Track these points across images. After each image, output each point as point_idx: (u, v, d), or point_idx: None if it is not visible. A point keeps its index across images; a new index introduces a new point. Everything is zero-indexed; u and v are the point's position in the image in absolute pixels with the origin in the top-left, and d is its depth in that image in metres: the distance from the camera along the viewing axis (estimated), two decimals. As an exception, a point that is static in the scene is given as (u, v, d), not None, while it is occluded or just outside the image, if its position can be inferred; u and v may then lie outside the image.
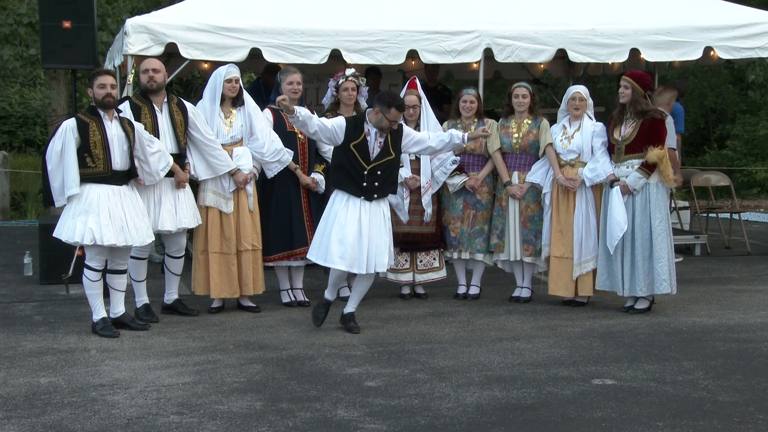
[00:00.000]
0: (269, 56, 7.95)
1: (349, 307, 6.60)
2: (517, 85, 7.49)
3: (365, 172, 6.33)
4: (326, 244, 6.31)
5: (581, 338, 6.39)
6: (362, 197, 6.33)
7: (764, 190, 16.70)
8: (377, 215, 6.38)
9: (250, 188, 7.05)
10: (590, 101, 7.33)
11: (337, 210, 6.34)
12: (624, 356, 5.91)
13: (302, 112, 6.27)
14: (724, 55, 8.77)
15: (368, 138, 6.39)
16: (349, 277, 6.97)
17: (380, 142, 6.40)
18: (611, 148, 7.12)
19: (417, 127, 7.12)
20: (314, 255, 6.44)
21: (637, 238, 6.98)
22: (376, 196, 6.37)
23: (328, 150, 7.34)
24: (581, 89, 7.35)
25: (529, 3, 9.00)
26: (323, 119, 6.47)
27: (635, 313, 7.11)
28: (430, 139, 6.63)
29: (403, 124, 6.69)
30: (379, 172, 6.37)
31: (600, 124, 7.23)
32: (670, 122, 8.58)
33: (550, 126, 7.41)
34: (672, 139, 8.48)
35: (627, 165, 7.00)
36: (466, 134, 6.69)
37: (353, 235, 6.26)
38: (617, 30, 8.46)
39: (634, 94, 6.96)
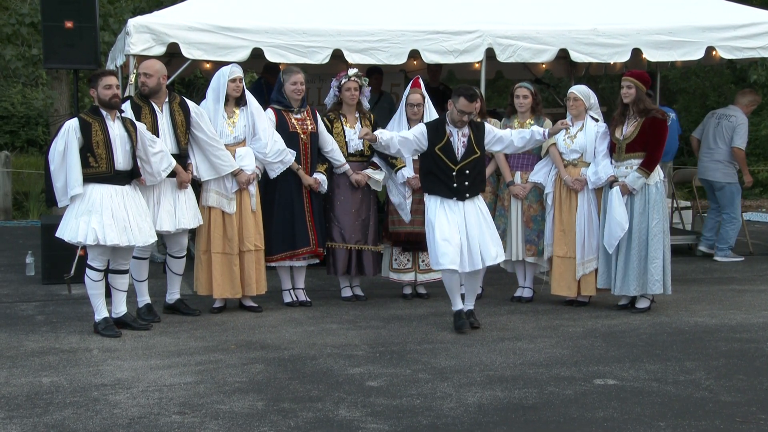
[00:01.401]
0: (271, 56, 7.95)
1: (468, 305, 6.65)
2: (519, 86, 7.49)
3: (454, 173, 6.40)
4: (433, 249, 6.39)
5: (583, 338, 6.39)
6: (454, 198, 6.40)
7: (766, 190, 16.68)
8: (473, 213, 6.44)
9: (253, 188, 7.06)
10: (593, 101, 7.32)
11: (433, 216, 6.41)
12: (626, 356, 5.91)
13: (383, 137, 6.40)
14: (726, 55, 8.75)
15: (452, 139, 6.45)
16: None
17: (464, 142, 6.46)
18: (612, 147, 7.12)
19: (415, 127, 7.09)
20: (441, 262, 6.37)
21: (633, 238, 6.99)
22: (468, 195, 6.44)
23: (330, 150, 7.36)
24: (576, 89, 7.35)
25: (531, 3, 8.99)
26: (404, 132, 6.58)
27: (637, 313, 7.11)
28: (512, 136, 6.63)
29: (485, 123, 6.74)
30: (467, 171, 6.43)
31: (604, 125, 7.23)
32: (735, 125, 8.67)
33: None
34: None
35: (627, 165, 7.01)
36: (547, 130, 6.68)
37: (457, 237, 6.33)
38: (619, 30, 8.45)
39: (638, 93, 6.97)
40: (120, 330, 6.40)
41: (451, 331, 6.57)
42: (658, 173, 7.05)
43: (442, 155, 6.43)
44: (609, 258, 7.11)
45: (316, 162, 7.33)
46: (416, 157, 7.32)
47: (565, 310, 7.27)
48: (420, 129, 6.52)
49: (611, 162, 7.12)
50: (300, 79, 7.22)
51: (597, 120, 7.31)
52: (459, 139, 6.46)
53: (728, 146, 9.61)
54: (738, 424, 4.64)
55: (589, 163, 7.22)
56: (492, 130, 6.64)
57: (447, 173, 6.41)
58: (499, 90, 18.07)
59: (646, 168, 6.94)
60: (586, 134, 7.22)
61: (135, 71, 7.72)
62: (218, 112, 6.98)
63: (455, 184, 6.41)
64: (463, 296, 6.70)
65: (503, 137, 6.63)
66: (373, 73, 9.32)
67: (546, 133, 6.65)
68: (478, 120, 6.83)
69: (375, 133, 6.45)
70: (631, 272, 6.99)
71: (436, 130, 6.48)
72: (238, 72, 7.02)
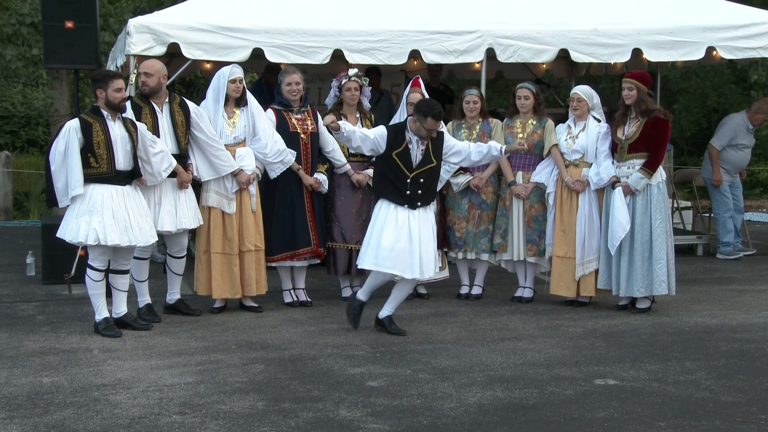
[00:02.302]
0: (271, 56, 7.95)
1: (386, 311, 6.55)
2: (520, 86, 7.49)
3: (408, 180, 6.34)
4: (375, 250, 6.31)
5: (583, 338, 6.39)
6: (406, 205, 6.33)
7: (767, 190, 16.67)
8: (424, 221, 6.36)
9: (253, 189, 7.05)
10: (596, 102, 7.32)
11: (384, 217, 6.34)
12: (626, 356, 5.91)
13: (347, 128, 6.38)
14: (727, 55, 8.76)
15: (410, 146, 6.39)
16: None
17: (422, 150, 6.40)
18: (614, 148, 7.12)
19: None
20: (365, 262, 6.39)
21: (636, 238, 6.99)
22: (419, 203, 6.36)
23: (331, 150, 7.36)
24: (580, 89, 7.34)
25: (532, 3, 8.99)
26: (365, 130, 6.54)
27: (637, 313, 7.11)
28: (469, 149, 6.60)
29: (445, 132, 6.67)
30: (421, 180, 6.37)
31: (606, 126, 7.23)
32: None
33: (557, 125, 7.42)
34: None
35: (629, 165, 7.01)
36: (504, 147, 6.67)
37: (404, 241, 6.27)
38: (619, 30, 8.45)
39: (639, 94, 6.97)
40: (120, 330, 6.40)
41: (452, 331, 6.57)
42: (660, 173, 7.05)
43: (399, 161, 6.36)
44: (610, 259, 7.11)
45: (316, 162, 7.33)
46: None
47: (565, 311, 7.27)
48: (380, 130, 6.46)
49: (613, 162, 7.12)
50: (295, 79, 7.21)
51: (599, 120, 7.30)
52: (418, 147, 6.40)
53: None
54: (738, 425, 4.64)
55: (591, 164, 7.21)
56: (450, 141, 6.58)
57: (401, 180, 6.34)
58: (500, 90, 18.07)
59: (649, 168, 6.94)
60: (587, 135, 7.22)
61: (135, 71, 7.72)
62: (218, 112, 6.98)
63: (408, 192, 6.33)
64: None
65: (461, 150, 6.57)
66: (371, 73, 9.32)
67: (502, 150, 6.63)
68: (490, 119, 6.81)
69: (340, 122, 6.39)
70: (635, 273, 6.98)
71: (395, 135, 6.41)
72: (239, 73, 7.02)
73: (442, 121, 6.46)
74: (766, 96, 10.17)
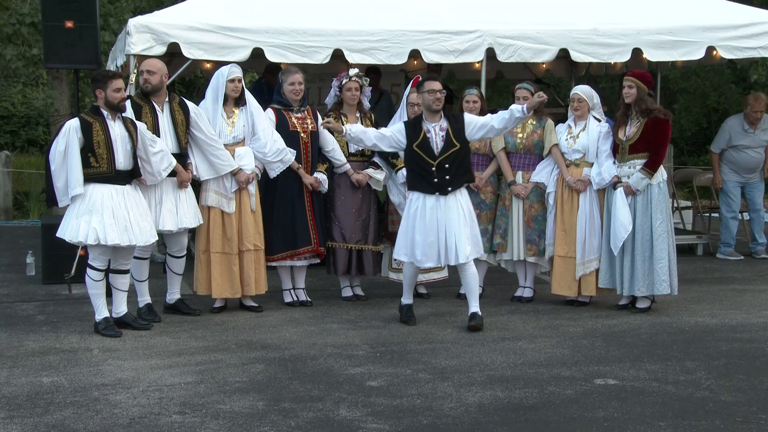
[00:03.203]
0: (271, 56, 7.95)
1: (472, 307, 6.63)
2: (520, 86, 7.48)
3: (433, 168, 6.46)
4: (410, 243, 6.52)
5: (583, 338, 6.39)
6: (436, 193, 6.47)
7: (767, 191, 16.66)
8: (453, 208, 6.49)
9: (252, 188, 7.06)
10: (596, 101, 7.32)
11: (415, 210, 6.51)
12: (626, 356, 5.91)
13: (353, 129, 6.54)
14: (727, 55, 8.75)
15: (429, 135, 6.52)
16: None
17: (442, 136, 6.52)
18: (616, 148, 7.12)
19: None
20: (402, 254, 6.61)
21: (637, 238, 6.99)
22: (450, 189, 6.49)
23: (331, 150, 7.36)
24: (580, 89, 7.34)
25: (532, 3, 8.99)
26: (382, 129, 6.72)
27: (637, 313, 7.11)
28: (491, 120, 6.61)
29: (465, 113, 6.79)
30: (447, 165, 6.48)
31: (606, 126, 7.23)
32: None
33: (557, 125, 7.42)
34: None
35: (630, 165, 7.01)
36: (525, 105, 6.56)
37: (433, 233, 6.45)
38: (619, 30, 8.44)
39: (639, 93, 6.97)
40: (120, 330, 6.40)
41: (451, 330, 6.57)
42: (661, 173, 7.05)
43: (420, 152, 6.50)
44: (611, 258, 7.11)
45: (316, 161, 7.33)
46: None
47: (565, 310, 7.27)
48: (398, 126, 6.64)
49: (614, 162, 7.12)
50: (298, 79, 7.22)
51: (599, 120, 7.30)
52: (437, 134, 6.52)
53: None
54: (738, 424, 4.64)
55: (592, 163, 7.22)
56: (473, 119, 6.65)
57: (427, 169, 6.48)
58: (500, 90, 18.06)
59: (650, 168, 6.94)
60: (588, 134, 7.22)
61: (135, 71, 7.72)
62: (217, 111, 6.98)
63: (436, 179, 6.47)
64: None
65: (484, 123, 6.61)
66: (371, 72, 9.32)
67: (524, 108, 6.52)
68: (458, 113, 6.85)
69: (344, 126, 6.59)
70: (637, 273, 6.99)
71: (413, 128, 6.56)
72: (237, 72, 7.02)
73: (436, 80, 6.56)
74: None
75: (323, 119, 7.08)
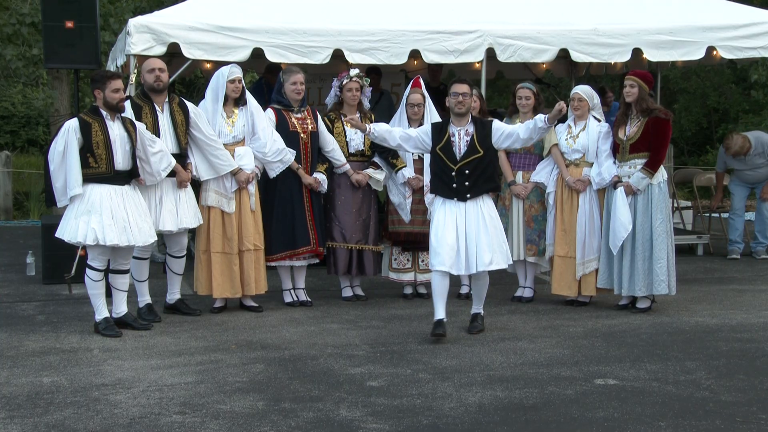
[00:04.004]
0: (272, 56, 7.95)
1: (475, 308, 6.60)
2: (521, 86, 7.48)
3: (453, 173, 6.30)
4: (443, 249, 6.27)
5: (584, 338, 6.39)
6: (455, 198, 6.30)
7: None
8: (473, 215, 6.29)
9: (252, 188, 7.06)
10: (596, 101, 7.32)
11: (436, 216, 6.35)
12: (626, 356, 5.90)
13: (377, 128, 6.40)
14: (727, 55, 8.76)
15: (453, 139, 6.34)
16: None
17: (466, 141, 6.35)
18: (616, 148, 7.12)
19: (421, 126, 7.06)
20: (435, 263, 6.28)
21: (637, 238, 6.99)
22: (469, 195, 6.30)
23: (331, 150, 7.36)
24: (581, 89, 7.34)
25: (532, 3, 8.99)
26: (408, 129, 6.62)
27: (637, 313, 7.11)
28: (517, 129, 6.43)
29: (494, 120, 6.60)
30: (467, 171, 6.29)
31: (606, 125, 7.23)
32: None
33: (557, 125, 7.41)
34: None
35: (630, 165, 7.01)
36: (547, 116, 6.38)
37: (451, 239, 6.23)
38: (620, 30, 8.45)
39: (640, 92, 6.97)
40: (120, 330, 6.40)
41: (451, 330, 6.56)
42: (661, 173, 7.05)
43: (442, 155, 6.35)
44: (610, 258, 7.11)
45: (316, 161, 7.33)
46: (416, 157, 7.34)
47: (565, 310, 7.27)
48: (425, 128, 6.54)
49: (614, 162, 7.12)
50: (300, 79, 7.22)
51: (599, 120, 7.30)
52: (461, 138, 6.35)
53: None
54: (738, 424, 4.64)
55: (592, 163, 7.22)
56: (501, 127, 6.45)
57: (447, 173, 6.32)
58: (500, 90, 18.07)
59: (650, 168, 6.94)
60: (588, 134, 7.22)
61: (135, 71, 7.73)
62: (217, 111, 6.98)
63: (455, 185, 6.30)
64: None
65: (511, 132, 6.43)
66: (371, 73, 9.32)
67: (546, 119, 6.35)
68: (487, 118, 6.74)
69: (369, 125, 6.44)
70: (636, 273, 6.99)
71: (439, 131, 6.42)
72: (238, 73, 7.01)
73: (467, 86, 6.39)
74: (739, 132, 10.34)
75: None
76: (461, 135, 6.36)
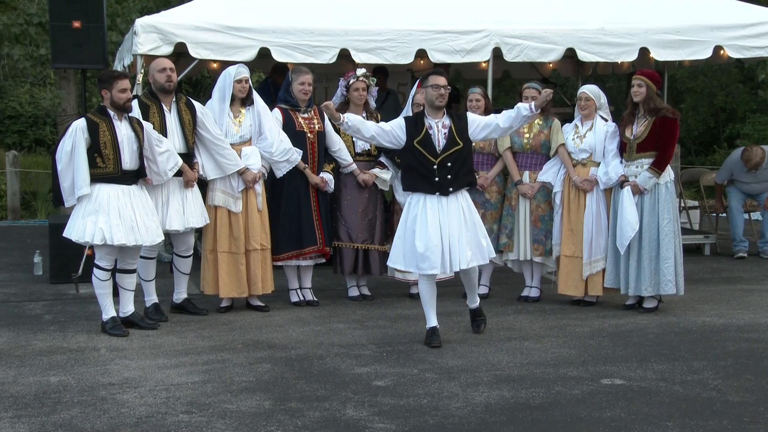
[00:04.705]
0: (278, 56, 7.96)
1: (472, 303, 6.50)
2: (527, 86, 7.46)
3: (435, 167, 6.11)
4: (411, 251, 6.11)
5: (590, 338, 6.38)
6: (437, 193, 6.12)
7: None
8: (455, 210, 6.13)
9: (259, 187, 7.06)
10: (603, 101, 7.30)
11: (415, 214, 6.12)
12: (633, 356, 5.90)
13: (351, 118, 6.16)
14: (734, 54, 8.74)
15: (431, 132, 6.17)
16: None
17: (444, 134, 6.18)
18: (623, 147, 7.11)
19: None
20: (400, 263, 6.22)
21: (644, 237, 6.98)
22: (451, 189, 6.12)
23: (338, 150, 7.36)
24: (588, 89, 7.33)
25: (538, 2, 8.99)
26: (381, 123, 6.38)
27: (644, 313, 7.10)
28: (497, 119, 6.31)
29: (468, 113, 6.51)
30: (449, 164, 6.12)
31: (613, 125, 7.21)
32: None
33: (563, 125, 7.41)
34: None
35: (638, 164, 7.00)
36: (533, 103, 6.29)
37: (437, 239, 6.05)
38: (627, 29, 8.44)
39: (648, 92, 6.96)
40: (127, 329, 6.41)
41: (457, 330, 6.56)
42: (668, 173, 7.04)
43: (422, 148, 6.14)
44: (617, 257, 7.10)
45: (323, 161, 7.34)
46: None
47: (572, 310, 7.26)
48: (398, 121, 6.28)
49: (621, 162, 7.11)
50: (308, 79, 7.22)
51: (606, 120, 7.29)
52: (439, 131, 6.19)
53: None
54: (746, 424, 4.63)
55: (599, 163, 7.21)
56: (476, 118, 6.36)
57: (428, 167, 6.12)
58: (506, 89, 18.06)
59: (657, 168, 6.93)
60: (595, 134, 7.21)
61: (142, 71, 7.74)
62: (224, 111, 6.99)
63: (437, 178, 6.11)
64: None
65: (488, 122, 6.31)
66: (377, 73, 9.33)
67: (532, 107, 6.25)
68: (461, 111, 6.62)
69: (343, 115, 6.15)
70: (643, 272, 6.98)
71: (415, 123, 6.22)
72: (245, 73, 7.01)
73: (443, 75, 6.25)
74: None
75: (324, 103, 6.96)
76: (439, 128, 6.20)
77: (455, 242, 6.09)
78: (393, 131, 6.20)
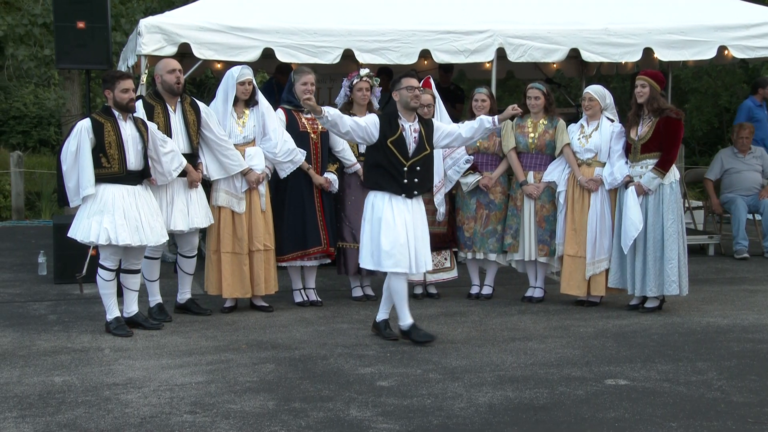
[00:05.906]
0: (282, 56, 7.96)
1: (383, 314, 6.39)
2: (531, 86, 7.48)
3: (405, 169, 6.14)
4: (378, 250, 6.10)
5: (594, 338, 6.38)
6: (403, 194, 6.14)
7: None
8: (419, 213, 6.22)
9: (263, 188, 7.07)
10: (609, 101, 7.29)
11: (380, 212, 6.12)
12: (637, 356, 5.89)
13: (330, 111, 6.11)
14: (739, 55, 8.73)
15: (404, 134, 6.20)
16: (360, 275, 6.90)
17: (415, 138, 6.22)
18: (628, 148, 7.10)
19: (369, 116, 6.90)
20: (369, 263, 6.22)
21: (649, 238, 6.98)
22: (416, 192, 6.19)
23: (341, 150, 7.37)
24: (592, 89, 7.33)
25: (542, 2, 8.98)
26: (356, 118, 6.34)
27: (647, 313, 7.09)
28: (459, 129, 6.42)
29: (433, 119, 6.59)
30: (418, 168, 6.18)
31: (620, 126, 7.21)
32: None
33: (569, 125, 7.41)
34: None
35: (642, 165, 6.99)
36: (497, 117, 6.42)
37: (404, 237, 6.08)
38: (630, 29, 8.43)
39: (652, 92, 6.95)
40: (131, 329, 6.42)
41: (462, 331, 6.56)
42: (673, 173, 7.03)
43: (395, 149, 6.15)
44: (622, 257, 7.10)
45: (326, 161, 7.34)
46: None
47: (575, 311, 7.25)
48: (372, 118, 6.27)
49: (626, 162, 7.10)
50: (311, 79, 7.22)
51: (613, 120, 7.29)
52: (411, 134, 6.22)
53: None
54: (750, 425, 4.62)
55: (604, 163, 7.20)
56: (440, 126, 6.43)
57: (398, 168, 6.13)
58: (510, 90, 18.05)
59: (662, 168, 6.93)
60: (601, 134, 7.20)
61: (146, 71, 7.75)
62: (227, 112, 6.99)
63: (405, 181, 6.14)
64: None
65: (451, 131, 6.40)
66: (382, 73, 9.33)
67: (496, 120, 6.39)
68: (427, 117, 6.65)
69: (323, 108, 6.07)
70: (648, 273, 6.97)
71: (389, 122, 6.21)
72: (248, 75, 7.00)
73: (416, 77, 6.29)
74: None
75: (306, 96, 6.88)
76: (411, 131, 6.23)
77: (420, 244, 6.19)
78: (368, 128, 6.19)
